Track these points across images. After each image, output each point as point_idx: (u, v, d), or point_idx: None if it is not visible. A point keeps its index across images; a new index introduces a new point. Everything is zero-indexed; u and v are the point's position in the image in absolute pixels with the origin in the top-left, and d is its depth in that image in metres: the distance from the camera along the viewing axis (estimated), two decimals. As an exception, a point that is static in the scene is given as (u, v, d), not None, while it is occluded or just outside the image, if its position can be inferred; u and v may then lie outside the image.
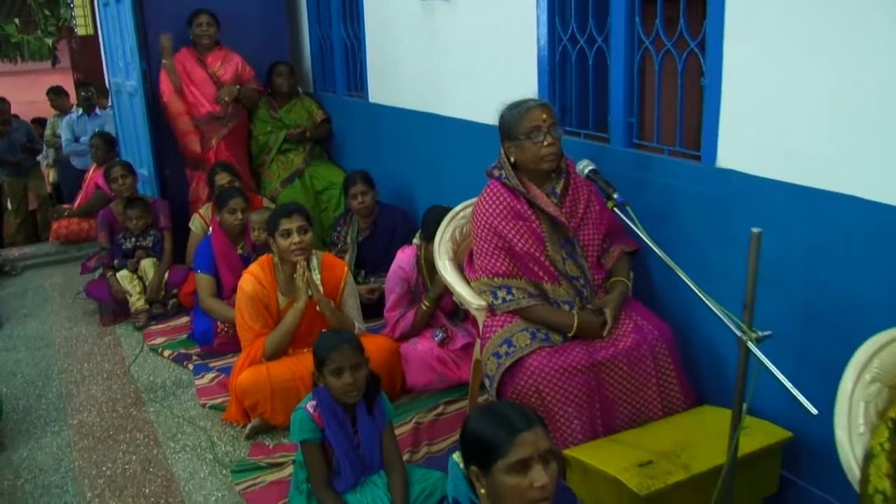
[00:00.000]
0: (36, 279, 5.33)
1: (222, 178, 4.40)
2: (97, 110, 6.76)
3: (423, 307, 3.38)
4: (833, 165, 2.14)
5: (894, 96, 1.95)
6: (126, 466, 2.94)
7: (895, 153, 1.97)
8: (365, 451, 2.42)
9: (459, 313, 3.47)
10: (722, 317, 1.94)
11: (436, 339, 3.34)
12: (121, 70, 5.31)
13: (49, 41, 10.20)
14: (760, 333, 1.90)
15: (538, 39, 3.14)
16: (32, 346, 4.17)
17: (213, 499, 2.71)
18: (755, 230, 1.88)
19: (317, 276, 3.23)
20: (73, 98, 7.65)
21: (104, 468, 2.94)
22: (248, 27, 5.16)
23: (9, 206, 6.91)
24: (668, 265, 2.09)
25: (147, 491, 2.78)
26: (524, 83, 3.20)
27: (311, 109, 5.22)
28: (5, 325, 4.49)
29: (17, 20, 10.34)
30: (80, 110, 6.75)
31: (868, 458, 1.50)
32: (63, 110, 7.16)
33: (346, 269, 3.36)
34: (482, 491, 1.60)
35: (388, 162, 4.59)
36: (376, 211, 4.24)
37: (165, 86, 4.80)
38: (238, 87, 4.87)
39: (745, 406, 1.91)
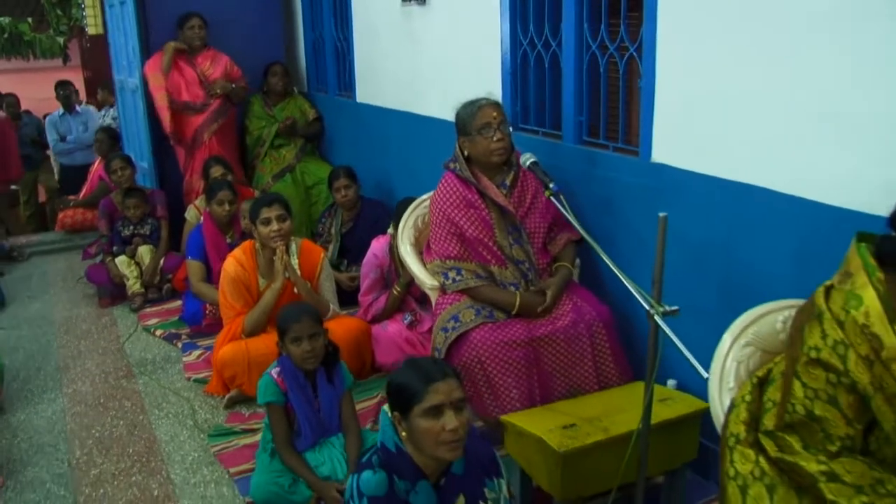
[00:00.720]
0: (41, 265, 5.62)
1: (216, 171, 4.66)
2: (77, 108, 7.02)
3: (395, 292, 3.62)
4: (747, 161, 2.37)
5: (796, 101, 2.18)
6: (113, 430, 3.20)
7: (796, 151, 2.21)
8: (324, 415, 2.67)
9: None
10: (634, 292, 2.18)
11: (405, 321, 3.57)
12: (124, 68, 5.59)
13: (60, 40, 10.54)
14: (668, 308, 2.13)
15: (501, 44, 3.38)
16: (34, 324, 4.45)
17: (190, 458, 2.97)
18: (661, 214, 2.12)
19: (295, 261, 3.49)
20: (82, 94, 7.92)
21: (93, 431, 3.21)
22: (245, 29, 5.44)
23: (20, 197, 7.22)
24: (606, 249, 2.33)
25: (131, 451, 3.04)
26: (489, 84, 3.43)
27: (304, 108, 5.49)
28: (10, 306, 4.78)
29: (30, 19, 10.71)
30: (62, 109, 6.95)
31: (730, 407, 1.72)
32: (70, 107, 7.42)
33: (322, 254, 3.61)
34: (403, 434, 1.84)
35: (372, 158, 4.84)
36: (359, 204, 4.49)
37: (152, 61, 5.04)
38: (232, 83, 5.13)
39: (654, 373, 2.15)
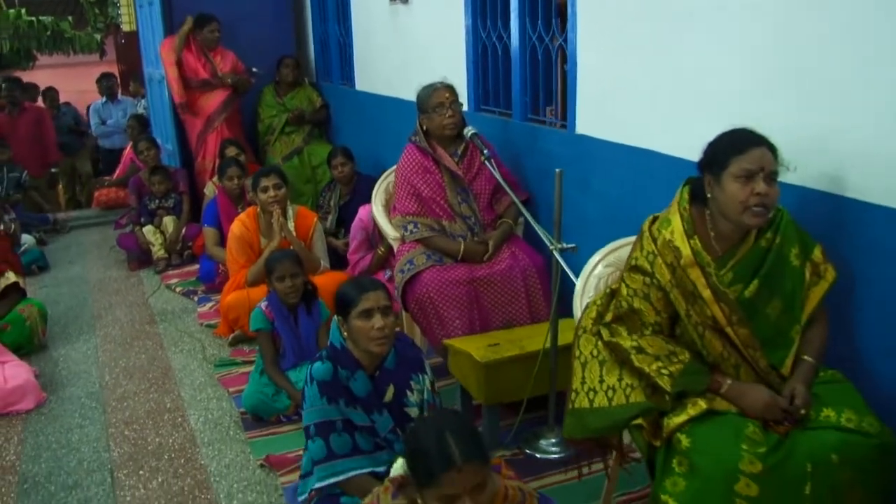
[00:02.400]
0: (79, 236, 6.33)
1: (230, 152, 5.28)
2: (119, 97, 7.75)
3: (379, 252, 4.19)
4: (646, 130, 2.88)
5: (680, 82, 2.69)
6: (136, 361, 3.85)
7: (680, 121, 2.72)
8: (303, 340, 3.26)
9: (407, 258, 4.28)
10: (539, 232, 2.74)
11: (386, 276, 4.15)
12: (152, 61, 6.26)
13: (98, 36, 11.33)
14: (565, 245, 2.70)
15: (465, 37, 3.94)
16: (73, 284, 5.13)
17: (198, 382, 3.59)
18: (558, 170, 2.69)
19: (291, 224, 4.09)
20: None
21: (120, 361, 3.85)
22: (260, 25, 6.07)
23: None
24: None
25: (150, 376, 3.67)
26: (458, 72, 3.99)
27: (312, 97, 6.10)
28: (52, 270, 5.48)
29: (70, 17, 11.53)
30: (105, 98, 7.73)
31: (584, 309, 2.26)
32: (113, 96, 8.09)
33: (315, 218, 4.22)
34: (345, 334, 2.41)
35: (369, 139, 5.42)
36: (355, 180, 5.06)
37: (167, 42, 5.66)
38: (230, 76, 5.74)
39: (557, 293, 2.70)
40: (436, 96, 3.31)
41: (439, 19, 4.18)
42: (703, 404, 1.92)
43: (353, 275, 4.22)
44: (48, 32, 10.95)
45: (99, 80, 7.79)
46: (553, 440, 2.90)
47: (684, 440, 1.90)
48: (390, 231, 3.43)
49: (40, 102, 7.74)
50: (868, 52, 2.02)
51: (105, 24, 11.25)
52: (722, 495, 1.81)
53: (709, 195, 2.04)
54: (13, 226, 5.26)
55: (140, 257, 5.34)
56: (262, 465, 2.89)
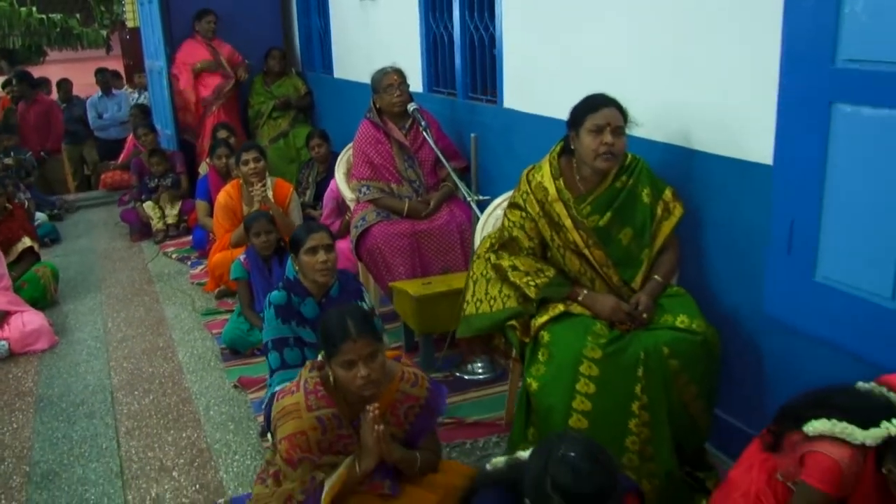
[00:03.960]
0: (87, 214, 6.94)
1: (222, 134, 5.85)
2: (113, 91, 8.31)
3: (346, 218, 4.75)
4: (557, 103, 3.41)
5: (583, 62, 3.24)
6: (135, 312, 4.44)
7: (581, 95, 3.26)
8: (275, 287, 3.82)
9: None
10: (460, 185, 3.29)
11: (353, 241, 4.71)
12: (152, 54, 6.84)
13: (104, 32, 11.95)
14: (480, 197, 3.26)
15: (419, 29, 4.49)
16: (81, 253, 5.73)
17: (187, 327, 4.18)
18: (473, 135, 3.24)
19: (270, 193, 4.65)
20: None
21: (121, 313, 4.44)
22: (250, 19, 6.64)
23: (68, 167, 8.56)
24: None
25: (146, 324, 4.26)
26: (414, 58, 4.55)
27: (297, 85, 6.66)
28: (64, 242, 6.08)
29: (78, 15, 12.16)
30: (101, 92, 8.26)
31: (482, 240, 2.81)
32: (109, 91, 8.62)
33: (291, 189, 4.77)
34: (297, 268, 2.97)
35: (346, 122, 5.94)
36: (330, 159, 5.63)
37: (186, 77, 6.30)
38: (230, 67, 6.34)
39: (473, 238, 3.25)
40: (386, 79, 3.86)
41: (399, 13, 4.73)
42: (561, 307, 2.48)
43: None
44: (57, 29, 11.57)
45: (97, 74, 8.35)
46: (479, 364, 3.46)
47: (545, 336, 2.45)
48: (348, 193, 4.00)
49: (54, 94, 8.33)
50: (712, 39, 2.58)
51: (111, 21, 11.87)
52: (569, 375, 2.36)
53: (573, 147, 2.59)
54: (27, 203, 5.86)
55: (141, 230, 5.93)
56: (235, 386, 3.47)
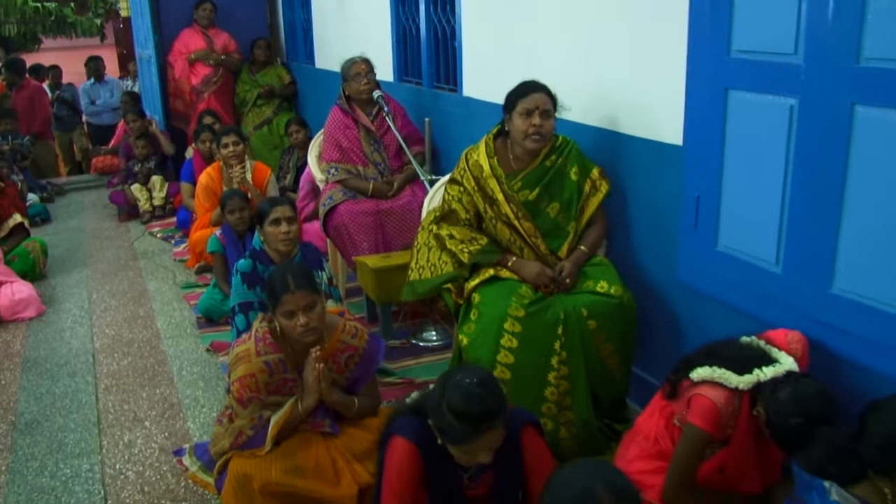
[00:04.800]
0: (78, 197, 7.21)
1: (207, 120, 6.13)
2: (105, 77, 8.56)
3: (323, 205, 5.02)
4: (504, 90, 3.69)
5: (530, 55, 3.51)
6: (119, 285, 4.71)
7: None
8: (247, 260, 4.10)
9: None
10: (417, 169, 3.57)
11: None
12: (142, 42, 7.10)
13: (98, 21, 12.19)
14: (432, 177, 3.53)
15: (390, 22, 4.76)
16: (71, 233, 6.00)
17: (167, 298, 4.46)
18: (427, 119, 3.51)
19: (249, 175, 4.93)
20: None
21: (106, 286, 4.72)
22: (237, 11, 6.91)
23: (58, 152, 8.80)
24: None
25: (129, 295, 4.54)
26: (386, 50, 4.83)
27: (281, 74, 6.93)
28: (54, 222, 6.35)
29: (72, 3, 12.40)
30: (93, 79, 8.51)
31: (428, 213, 3.09)
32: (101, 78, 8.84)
33: (269, 172, 5.05)
34: (262, 238, 3.25)
35: (325, 111, 6.21)
36: (308, 144, 5.89)
37: (180, 66, 6.57)
38: (223, 55, 6.61)
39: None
40: (354, 68, 4.13)
41: (373, 7, 5.00)
42: (490, 272, 2.75)
43: (300, 216, 5.06)
44: (52, 17, 11.81)
45: (87, 63, 8.60)
46: (433, 332, 3.74)
47: (476, 297, 2.73)
48: (318, 174, 4.27)
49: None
50: (632, 34, 2.85)
51: (105, 10, 12.11)
52: (495, 331, 2.64)
53: (507, 128, 2.87)
54: (21, 184, 6.12)
55: (129, 211, 6.21)
56: (207, 350, 3.75)
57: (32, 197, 6.54)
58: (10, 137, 6.84)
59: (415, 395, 2.19)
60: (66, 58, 9.53)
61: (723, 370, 2.17)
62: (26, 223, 5.04)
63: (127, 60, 10.14)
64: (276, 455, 2.39)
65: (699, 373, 2.20)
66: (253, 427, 2.41)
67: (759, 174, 2.40)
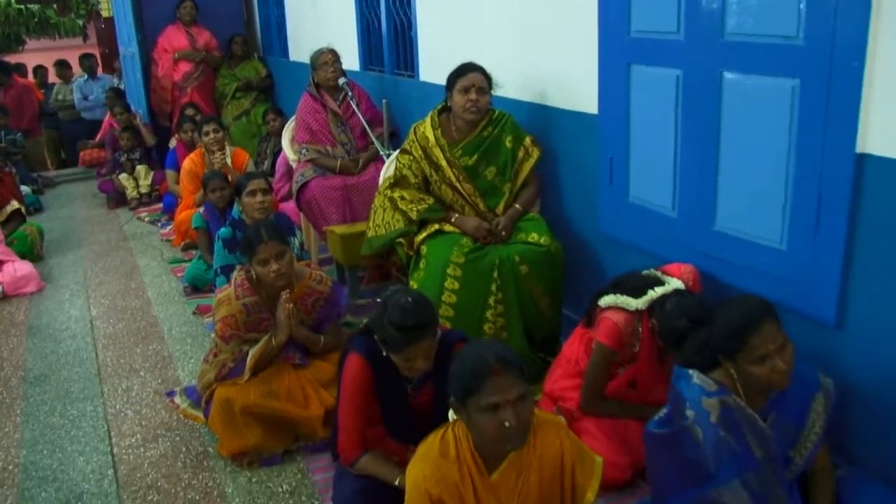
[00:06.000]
0: (68, 188, 7.59)
1: (189, 111, 6.52)
2: (98, 74, 8.91)
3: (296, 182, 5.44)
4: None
5: (475, 41, 3.95)
6: (111, 263, 5.13)
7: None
8: (228, 234, 4.53)
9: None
10: (377, 145, 4.00)
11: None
12: (125, 40, 7.48)
13: (80, 22, 12.52)
14: (390, 151, 3.96)
15: (356, 15, 5.19)
16: (63, 220, 6.39)
17: (156, 273, 4.88)
18: (384, 100, 3.94)
19: (228, 160, 5.34)
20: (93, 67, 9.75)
21: (100, 264, 5.13)
22: (216, 7, 7.30)
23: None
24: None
25: (121, 271, 4.96)
26: (352, 41, 5.25)
27: (258, 67, 7.33)
28: (47, 211, 6.73)
29: (55, 5, 12.73)
30: (86, 76, 8.85)
31: (384, 180, 3.52)
32: (66, 79, 9.13)
33: (248, 156, 5.47)
34: (240, 208, 3.67)
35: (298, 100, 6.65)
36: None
37: (164, 64, 6.98)
38: (205, 52, 7.02)
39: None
40: (322, 57, 4.56)
41: (340, 3, 5.42)
42: (436, 227, 3.20)
43: (276, 196, 5.48)
44: (35, 19, 12.14)
45: (81, 60, 8.94)
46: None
47: (424, 248, 3.17)
48: (291, 155, 4.70)
49: (31, 78, 8.92)
50: (557, 18, 3.30)
51: (86, 11, 12.43)
52: (440, 276, 3.08)
53: (449, 104, 3.30)
54: (14, 175, 6.50)
55: (117, 199, 6.60)
56: (194, 313, 4.18)
57: (24, 189, 6.90)
58: (3, 133, 7.20)
59: (366, 319, 2.63)
60: (49, 58, 9.85)
61: (623, 296, 2.61)
62: (23, 209, 5.43)
63: (110, 59, 10.48)
64: (253, 383, 2.83)
65: (605, 300, 2.65)
66: (234, 360, 2.85)
67: (657, 134, 2.86)
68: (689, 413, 2.09)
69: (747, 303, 2.07)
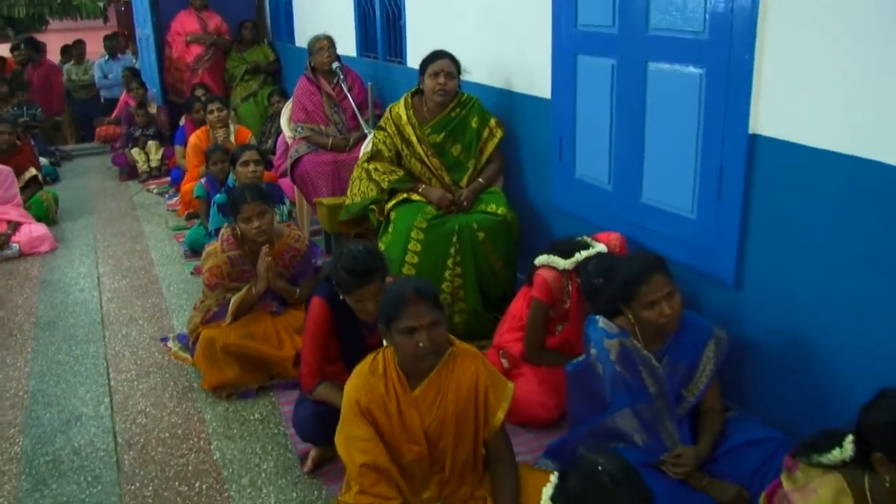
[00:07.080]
0: (84, 162, 8.03)
1: (198, 92, 6.92)
2: (119, 55, 9.34)
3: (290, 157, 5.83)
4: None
5: (455, 30, 4.30)
6: (120, 229, 5.55)
7: (468, 49, 4.33)
8: (226, 203, 4.92)
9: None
10: (363, 125, 4.38)
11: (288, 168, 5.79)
12: (141, 22, 7.90)
13: (101, 3, 12.98)
14: (374, 129, 4.33)
15: (353, 5, 5.55)
16: (77, 190, 6.82)
17: (160, 238, 5.30)
18: (369, 84, 4.31)
19: (232, 137, 5.74)
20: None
21: (109, 229, 5.55)
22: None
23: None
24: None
25: (128, 236, 5.38)
26: (350, 29, 5.62)
27: (266, 52, 7.73)
28: (62, 181, 7.17)
29: (77, -13, 13.21)
30: (108, 55, 9.29)
31: (362, 155, 3.89)
32: (80, 60, 9.44)
33: (249, 133, 5.87)
34: (234, 177, 4.06)
35: (303, 84, 7.04)
36: (289, 112, 6.70)
37: (178, 47, 7.40)
38: (216, 36, 7.43)
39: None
40: (318, 43, 4.93)
41: (339, -10, 5.80)
42: (404, 196, 3.57)
43: (276, 172, 5.89)
44: (59, 0, 12.60)
45: (105, 39, 9.35)
46: (376, 259, 4.55)
47: (393, 215, 3.54)
48: (288, 132, 5.10)
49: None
50: (518, 12, 3.65)
51: (108, -7, 12.92)
52: (404, 239, 3.45)
53: (421, 87, 3.67)
54: (32, 146, 6.94)
55: (129, 171, 7.03)
56: (191, 273, 4.58)
57: (42, 160, 7.34)
58: (24, 108, 7.65)
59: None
60: (71, 38, 10.29)
61: (554, 256, 2.97)
62: (40, 176, 5.86)
63: (128, 41, 10.92)
64: (234, 326, 3.22)
65: (539, 259, 3.01)
66: (218, 305, 3.24)
67: (597, 117, 3.21)
68: (593, 351, 2.45)
69: (641, 257, 2.43)
